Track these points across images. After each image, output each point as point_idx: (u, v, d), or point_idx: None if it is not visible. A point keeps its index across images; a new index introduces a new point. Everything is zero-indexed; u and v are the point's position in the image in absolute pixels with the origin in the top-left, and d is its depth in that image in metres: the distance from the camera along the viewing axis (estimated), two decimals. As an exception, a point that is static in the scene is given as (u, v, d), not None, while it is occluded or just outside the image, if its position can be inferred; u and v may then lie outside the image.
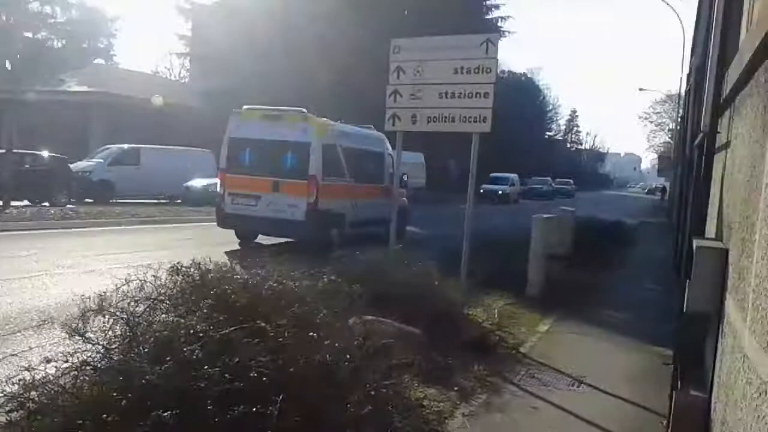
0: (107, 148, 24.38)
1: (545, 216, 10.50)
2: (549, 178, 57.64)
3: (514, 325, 8.06)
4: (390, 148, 14.74)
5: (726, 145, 3.93)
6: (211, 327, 3.92)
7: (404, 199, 15.32)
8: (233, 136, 12.90)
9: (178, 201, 23.22)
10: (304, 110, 12.47)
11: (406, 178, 16.41)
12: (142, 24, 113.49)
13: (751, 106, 2.75)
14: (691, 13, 23.53)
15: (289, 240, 13.33)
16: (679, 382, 3.96)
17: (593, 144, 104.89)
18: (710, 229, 4.36)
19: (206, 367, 3.56)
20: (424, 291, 7.41)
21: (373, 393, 4.28)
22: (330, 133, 12.76)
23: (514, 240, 12.84)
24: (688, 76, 18.07)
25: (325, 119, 13.02)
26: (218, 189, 13.45)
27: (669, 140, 52.61)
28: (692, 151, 6.66)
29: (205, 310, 4.13)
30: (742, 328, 2.34)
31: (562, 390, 5.86)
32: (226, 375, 3.56)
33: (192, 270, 4.88)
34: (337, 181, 12.44)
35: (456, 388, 5.58)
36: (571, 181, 62.66)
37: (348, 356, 4.26)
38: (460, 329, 6.98)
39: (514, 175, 44.83)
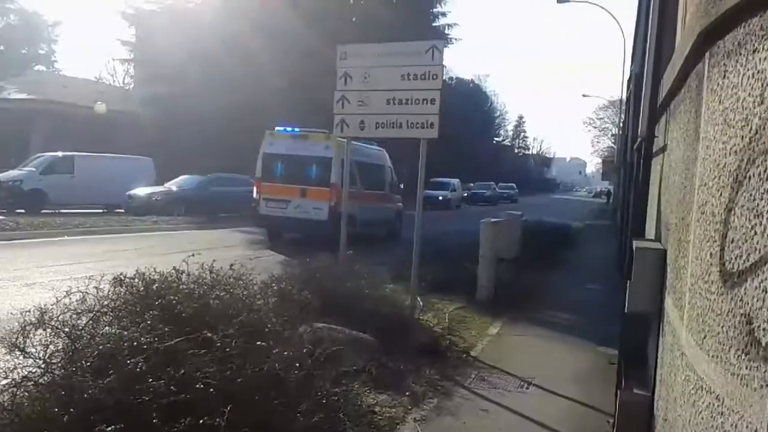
0: (40, 156, 23.41)
1: (493, 220, 10.64)
2: (492, 183, 56.39)
3: (464, 329, 8.14)
4: (389, 161, 18.45)
5: (663, 149, 4.06)
6: (156, 339, 3.85)
7: (399, 204, 18.97)
8: (266, 152, 15.74)
9: (119, 210, 22.53)
10: (326, 131, 14.29)
11: (402, 186, 19.70)
12: (85, 30, 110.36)
13: (685, 111, 2.85)
14: (632, 22, 24.31)
15: (246, 249, 13.25)
16: (623, 381, 4.06)
17: (540, 149, 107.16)
18: (649, 230, 4.50)
19: (151, 379, 3.51)
20: (376, 297, 7.43)
21: (324, 401, 4.26)
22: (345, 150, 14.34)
23: (462, 244, 12.97)
24: (629, 82, 18.64)
25: (343, 139, 14.54)
26: (254, 195, 16.36)
27: (612, 145, 54.15)
28: (632, 156, 6.88)
29: (149, 322, 4.06)
30: (679, 326, 2.41)
31: (511, 392, 5.94)
32: (172, 387, 3.51)
33: (136, 281, 4.77)
34: (351, 189, 13.61)
35: (408, 393, 5.59)
36: (514, 185, 62.44)
37: (298, 364, 4.24)
38: (412, 334, 7.01)
39: (455, 181, 43.36)
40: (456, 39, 44.52)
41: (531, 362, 6.92)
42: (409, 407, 5.34)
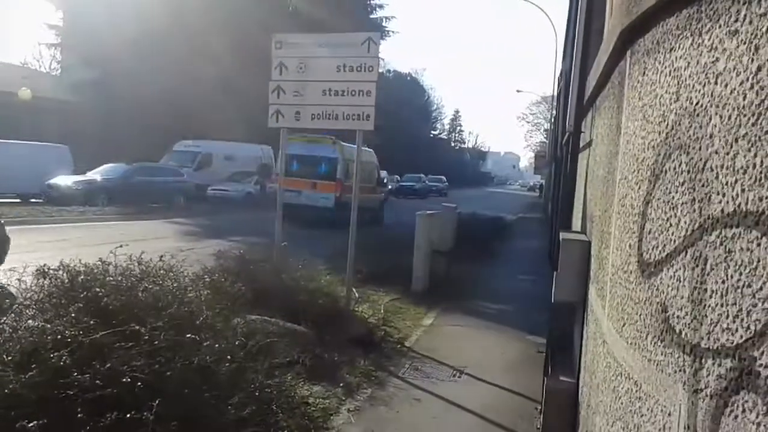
0: None
1: (428, 212, 10.75)
2: (422, 176, 53.51)
3: (399, 320, 8.21)
4: (377, 160, 23.37)
5: (589, 144, 4.19)
6: (81, 332, 3.77)
7: (383, 195, 23.94)
8: (286, 152, 16.43)
9: (35, 200, 21.35)
10: (333, 137, 18.96)
11: (385, 180, 24.78)
12: (8, 14, 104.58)
13: (608, 107, 2.95)
14: (564, 19, 24.92)
15: (178, 241, 12.93)
16: (550, 369, 4.18)
17: (475, 143, 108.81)
18: (576, 222, 4.64)
19: (75, 373, 3.45)
20: (311, 289, 7.39)
21: (256, 393, 4.23)
22: (347, 151, 18.71)
23: (394, 237, 13.06)
24: (559, 79, 19.12)
25: (345, 143, 19.33)
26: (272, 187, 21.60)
27: (544, 140, 55.53)
28: (561, 150, 7.08)
29: (74, 315, 3.95)
30: (601, 315, 2.50)
31: (444, 381, 6.04)
32: (98, 381, 3.44)
33: (61, 272, 4.62)
34: (350, 183, 16.65)
35: (342, 384, 5.60)
36: (444, 178, 59.05)
37: (229, 357, 4.19)
38: (347, 326, 7.02)
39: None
40: (393, 32, 44.77)
41: (464, 352, 7.04)
42: (343, 398, 5.36)
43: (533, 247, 17.09)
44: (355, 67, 7.94)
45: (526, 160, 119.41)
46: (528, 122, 75.49)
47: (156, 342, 3.85)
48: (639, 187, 1.85)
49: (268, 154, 30.66)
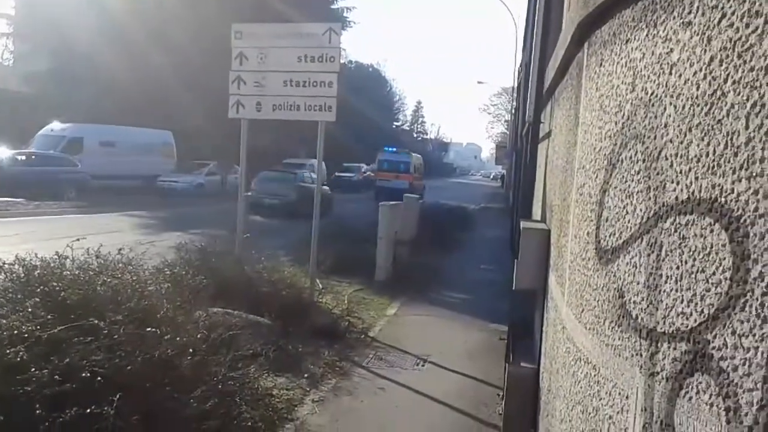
0: None
1: (391, 203, 10.79)
2: (363, 165, 43.95)
3: (363, 310, 8.23)
4: (421, 159, 38.54)
5: (548, 135, 4.25)
6: (38, 327, 3.70)
7: (422, 181, 36.24)
8: (380, 158, 34.46)
9: None
10: (408, 149, 38.32)
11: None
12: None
13: (567, 98, 2.99)
14: (524, 11, 25.14)
15: (137, 234, 12.70)
16: (511, 355, 4.24)
17: (437, 134, 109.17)
18: (536, 211, 4.71)
19: (33, 369, 3.38)
20: (274, 280, 7.35)
21: (219, 386, 4.20)
22: (414, 158, 35.29)
23: (360, 227, 13.05)
24: (519, 70, 19.30)
25: (416, 154, 38.17)
26: (374, 177, 34.92)
27: (506, 131, 56.10)
28: (522, 141, 7.17)
29: (30, 309, 3.87)
30: (561, 301, 2.54)
31: (407, 370, 6.08)
32: (56, 376, 3.38)
33: (16, 267, 4.51)
34: (416, 175, 33.81)
35: (306, 375, 5.60)
36: (363, 165, 45.22)
37: (191, 350, 4.15)
38: (311, 317, 7.01)
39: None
40: (354, 22, 44.44)
41: (427, 341, 7.10)
42: (308, 389, 5.36)
43: (495, 236, 17.26)
44: (317, 58, 7.88)
45: (488, 150, 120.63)
46: (489, 113, 76.08)
47: (116, 336, 3.80)
48: (596, 176, 1.88)
49: (168, 141, 28.21)
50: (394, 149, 35.57)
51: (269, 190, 20.21)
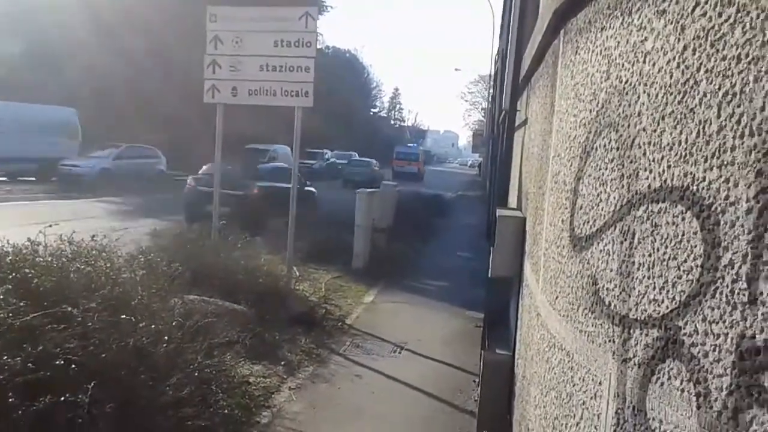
0: None
1: (369, 190, 10.77)
2: (327, 152, 41.04)
3: (341, 298, 8.23)
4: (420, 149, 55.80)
5: (524, 122, 4.26)
6: (10, 314, 3.64)
7: (424, 166, 48.73)
8: (397, 150, 47.22)
9: None
10: (417, 145, 59.62)
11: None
12: None
13: (543, 86, 3.00)
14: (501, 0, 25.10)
15: (112, 221, 12.51)
16: (487, 342, 4.27)
17: (415, 121, 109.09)
18: (512, 199, 4.74)
19: (6, 357, 3.34)
20: (251, 268, 7.30)
21: (195, 373, 4.18)
22: (421, 150, 53.64)
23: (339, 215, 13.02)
24: (497, 58, 19.32)
25: (421, 148, 60.19)
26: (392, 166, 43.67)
27: (483, 118, 56.24)
28: (498, 128, 7.18)
29: (2, 296, 3.79)
30: (536, 288, 2.56)
31: (384, 357, 6.10)
32: (30, 364, 3.34)
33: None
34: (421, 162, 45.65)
35: (283, 363, 5.59)
36: (374, 161, 37.11)
37: (166, 338, 4.12)
38: (288, 305, 6.99)
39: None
40: (331, 7, 44.08)
41: (404, 328, 7.13)
42: (285, 376, 5.35)
43: (472, 223, 17.34)
44: (293, 42, 7.80)
45: (465, 138, 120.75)
46: (467, 101, 76.38)
47: (89, 324, 3.75)
48: (571, 164, 1.89)
49: (71, 119, 24.12)
50: (409, 145, 52.83)
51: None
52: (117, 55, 28.01)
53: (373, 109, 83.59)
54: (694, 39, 1.10)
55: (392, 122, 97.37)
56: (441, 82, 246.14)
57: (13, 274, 4.11)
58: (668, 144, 1.17)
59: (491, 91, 30.22)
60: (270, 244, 8.90)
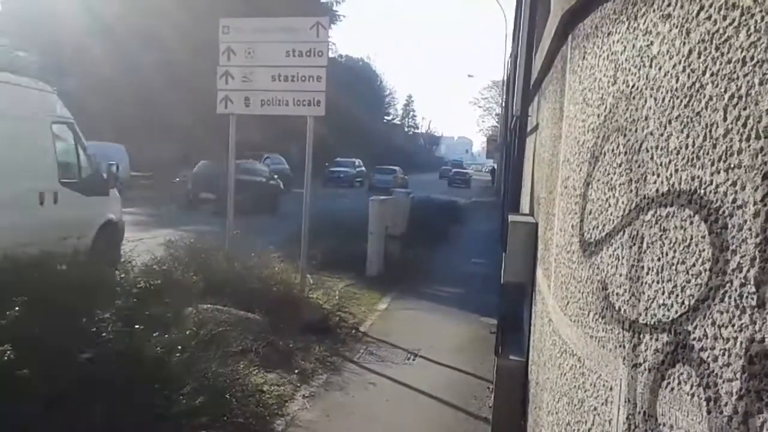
0: None
1: (382, 198, 10.79)
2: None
3: (354, 305, 8.23)
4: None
5: (536, 128, 4.25)
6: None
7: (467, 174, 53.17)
8: (452, 160, 67.83)
9: None
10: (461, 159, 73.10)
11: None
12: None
13: (552, 91, 2.99)
14: (513, 4, 25.11)
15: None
16: (500, 349, 4.25)
17: (429, 128, 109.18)
18: (524, 205, 4.72)
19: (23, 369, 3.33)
20: (264, 276, 7.33)
21: (209, 382, 4.19)
22: (463, 161, 73.83)
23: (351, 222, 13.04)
24: (509, 63, 19.31)
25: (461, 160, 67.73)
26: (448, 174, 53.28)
27: (496, 124, 56.14)
28: (510, 134, 7.19)
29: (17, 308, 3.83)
30: (547, 294, 2.55)
31: (398, 364, 6.09)
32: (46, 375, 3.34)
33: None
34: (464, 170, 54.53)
35: (297, 371, 5.60)
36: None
37: (180, 347, 4.14)
38: (302, 313, 7.00)
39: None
40: (343, 16, 44.34)
41: (417, 335, 7.11)
42: (298, 384, 5.36)
43: (486, 230, 17.29)
44: (305, 52, 7.84)
45: (479, 144, 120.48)
46: (480, 107, 76.35)
47: (104, 334, 3.78)
48: (580, 169, 1.89)
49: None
50: (456, 159, 66.64)
51: (205, 183, 18.22)
52: (128, 69, 28.31)
53: (386, 117, 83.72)
54: (699, 43, 1.09)
55: (406, 129, 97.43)
56: (454, 88, 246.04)
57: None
58: (675, 148, 1.17)
59: (504, 96, 30.20)
60: (283, 253, 8.92)
